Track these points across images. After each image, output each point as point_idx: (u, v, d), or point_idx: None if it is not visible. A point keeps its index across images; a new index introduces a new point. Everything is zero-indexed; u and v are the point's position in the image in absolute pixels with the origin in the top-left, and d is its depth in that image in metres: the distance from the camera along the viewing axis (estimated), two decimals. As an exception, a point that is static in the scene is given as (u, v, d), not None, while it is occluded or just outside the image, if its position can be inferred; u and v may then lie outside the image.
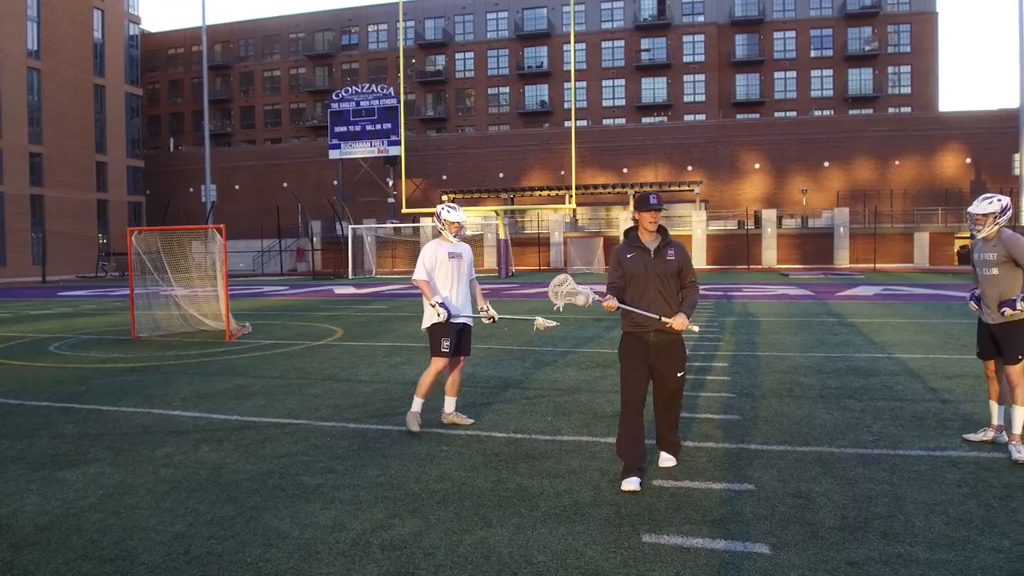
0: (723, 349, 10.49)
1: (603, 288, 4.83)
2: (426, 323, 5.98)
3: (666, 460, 5.04)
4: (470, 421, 6.27)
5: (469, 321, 6.21)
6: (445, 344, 5.93)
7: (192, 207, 56.76)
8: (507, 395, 7.51)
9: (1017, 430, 5.24)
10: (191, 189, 58.79)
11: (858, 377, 8.22)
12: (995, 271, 5.33)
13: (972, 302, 5.69)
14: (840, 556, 3.59)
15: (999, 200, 5.31)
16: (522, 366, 9.29)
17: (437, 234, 6.24)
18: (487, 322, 6.25)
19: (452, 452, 5.43)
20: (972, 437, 5.63)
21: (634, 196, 47.70)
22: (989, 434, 5.58)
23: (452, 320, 5.93)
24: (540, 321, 6.24)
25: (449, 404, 6.29)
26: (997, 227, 5.33)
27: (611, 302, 4.67)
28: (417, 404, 6.06)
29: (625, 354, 4.86)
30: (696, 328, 4.70)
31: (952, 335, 11.71)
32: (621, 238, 5.03)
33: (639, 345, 4.80)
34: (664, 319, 4.65)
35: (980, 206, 5.31)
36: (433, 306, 5.87)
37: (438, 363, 5.99)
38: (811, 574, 3.40)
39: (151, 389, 8.07)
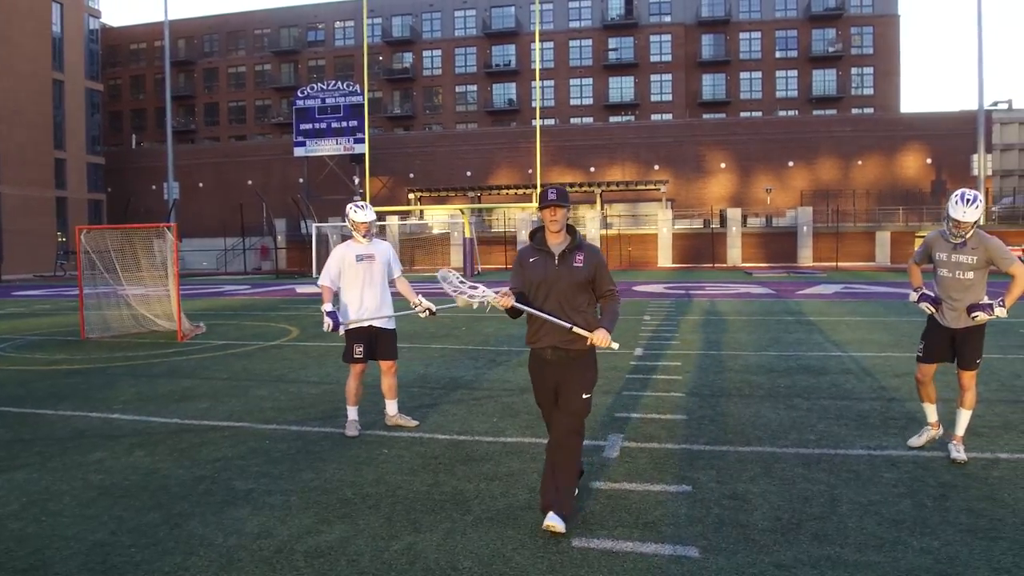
0: (678, 348, 10.52)
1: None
2: (341, 329, 5.79)
3: (553, 522, 3.84)
4: (414, 423, 6.17)
5: (387, 324, 5.97)
6: (357, 350, 5.84)
7: (154, 205, 55.83)
8: (455, 396, 7.44)
9: (960, 431, 5.26)
10: (153, 187, 57.81)
11: (808, 376, 8.29)
12: (970, 275, 5.06)
13: (926, 303, 5.26)
14: (769, 559, 3.58)
15: (980, 201, 4.95)
16: (475, 366, 9.23)
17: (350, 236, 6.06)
18: (424, 316, 5.87)
19: (392, 455, 5.36)
20: (916, 442, 5.49)
21: (601, 195, 47.92)
22: (931, 432, 5.50)
23: (357, 324, 5.80)
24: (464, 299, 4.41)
25: (390, 407, 6.18)
26: (974, 230, 5.01)
27: (506, 299, 3.96)
28: (350, 412, 5.97)
29: (531, 372, 4.31)
30: (616, 345, 4.02)
31: (905, 333, 11.87)
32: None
33: (539, 362, 4.20)
34: (577, 330, 3.97)
35: (969, 212, 4.90)
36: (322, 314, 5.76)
37: (353, 369, 5.92)
38: (738, 577, 3.38)
39: (93, 392, 7.88)
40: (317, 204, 51.02)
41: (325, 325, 5.60)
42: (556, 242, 4.14)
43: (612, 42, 60.18)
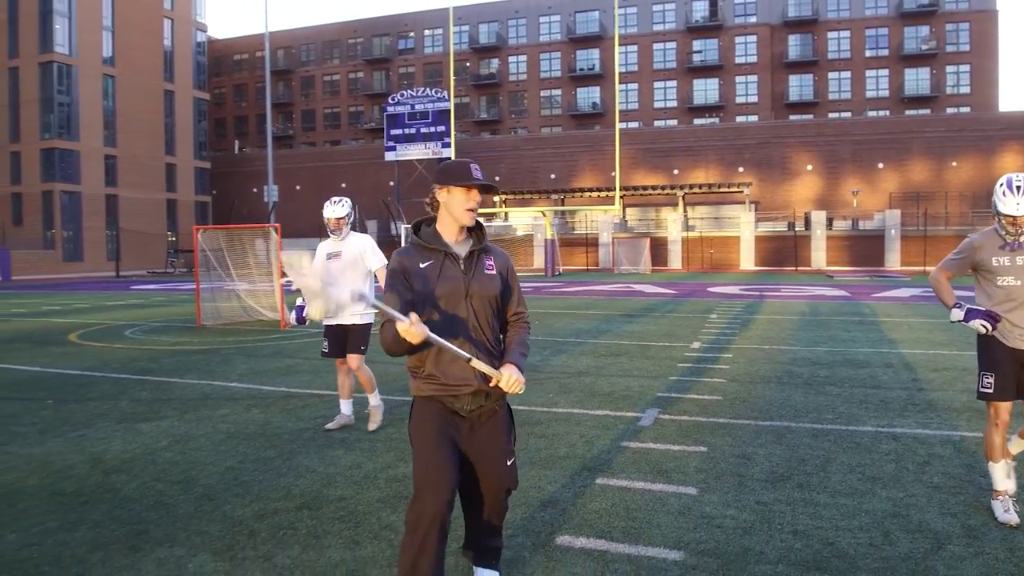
0: (735, 343, 11.21)
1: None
2: (308, 323, 6.21)
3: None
4: (375, 426, 6.01)
5: (359, 319, 5.93)
6: (324, 345, 6.05)
7: (255, 206, 59.15)
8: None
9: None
10: (255, 189, 61.25)
11: (849, 368, 8.90)
12: None
13: (980, 321, 4.07)
14: (753, 498, 4.42)
15: None
16: (540, 354, 10.21)
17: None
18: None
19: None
20: (1010, 519, 3.99)
21: (683, 198, 48.06)
22: (1010, 501, 4.13)
23: (328, 321, 5.88)
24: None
25: (371, 399, 6.10)
26: None
27: (417, 327, 2.54)
28: (342, 405, 6.10)
29: (419, 431, 2.87)
30: (521, 390, 2.84)
31: (961, 333, 12.16)
32: (404, 239, 3.70)
33: (444, 418, 2.88)
34: (478, 364, 2.77)
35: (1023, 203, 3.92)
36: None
37: (336, 364, 6.14)
38: (723, 508, 4.24)
39: (212, 366, 9.26)
40: (406, 206, 53.04)
41: (291, 318, 5.96)
42: (458, 239, 2.97)
43: (696, 44, 60.15)
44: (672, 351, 10.37)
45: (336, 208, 5.87)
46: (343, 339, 5.93)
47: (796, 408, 6.77)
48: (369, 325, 5.92)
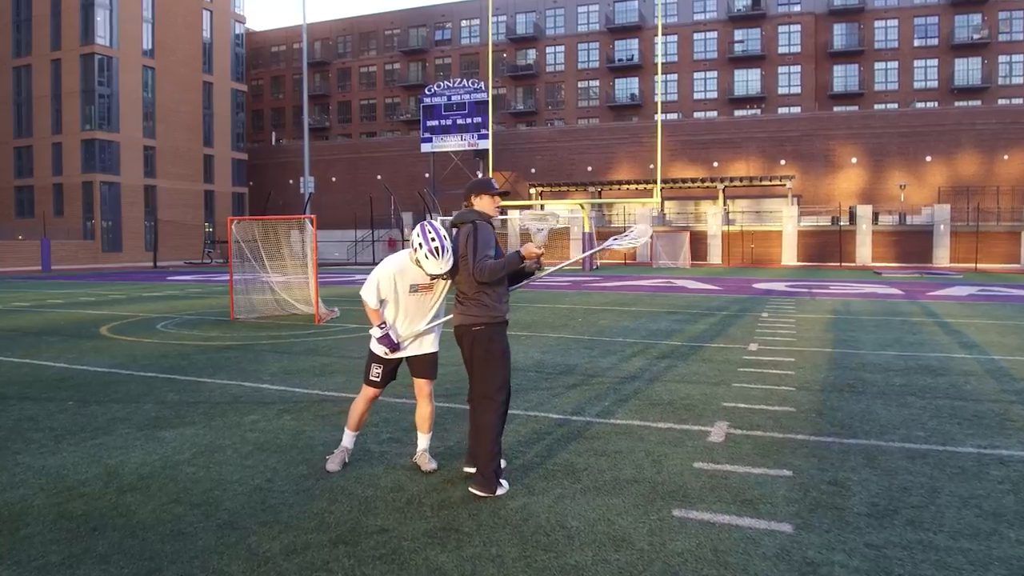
0: (794, 344, 10.50)
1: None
2: (401, 353, 4.90)
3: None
4: (433, 467, 4.84)
5: (432, 348, 4.95)
6: (375, 371, 4.91)
7: (291, 198, 59.18)
8: (569, 380, 7.83)
9: None
10: (291, 181, 61.29)
11: (926, 376, 8.17)
12: None
13: None
14: (861, 539, 3.78)
15: None
16: (589, 355, 9.59)
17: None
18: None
19: (509, 429, 5.81)
20: None
21: (724, 191, 46.95)
22: None
23: (397, 354, 4.87)
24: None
25: (421, 442, 4.98)
26: None
27: (534, 249, 4.40)
28: (346, 437, 5.01)
29: (505, 346, 4.63)
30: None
31: (1040, 338, 11.33)
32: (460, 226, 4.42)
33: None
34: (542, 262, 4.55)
35: None
36: None
37: (366, 392, 4.99)
38: (828, 552, 3.61)
39: (244, 365, 8.79)
40: (442, 198, 52.64)
41: (380, 350, 4.72)
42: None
43: (738, 34, 58.81)
44: (728, 353, 9.70)
45: (436, 266, 4.43)
46: (396, 366, 4.87)
47: (881, 423, 6.08)
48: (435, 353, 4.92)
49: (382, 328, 4.67)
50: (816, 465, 4.97)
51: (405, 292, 4.63)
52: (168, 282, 27.78)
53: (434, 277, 4.57)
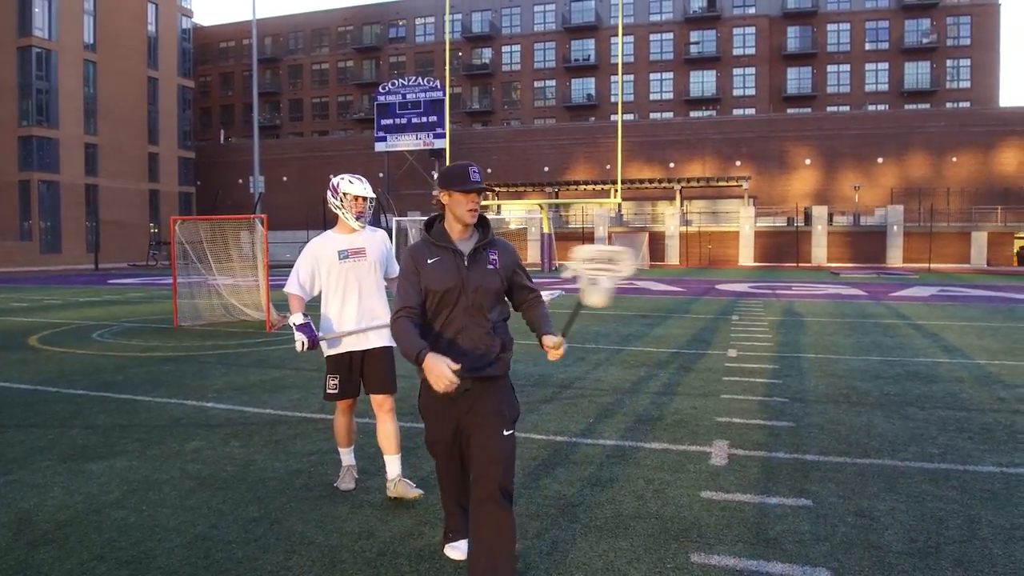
0: (773, 350, 10.07)
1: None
2: (324, 346, 4.48)
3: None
4: (417, 493, 4.24)
5: (381, 343, 4.42)
6: (331, 384, 4.41)
7: (241, 198, 57.56)
8: (544, 392, 7.23)
9: None
10: (240, 180, 59.63)
11: (919, 383, 7.78)
12: None
13: None
14: (910, 585, 3.26)
15: None
16: (562, 363, 9.01)
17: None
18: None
19: (488, 455, 5.18)
20: None
21: (680, 192, 46.92)
22: None
23: (340, 350, 4.40)
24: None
25: (390, 466, 4.33)
26: None
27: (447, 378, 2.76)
28: (343, 455, 4.56)
29: (430, 408, 3.25)
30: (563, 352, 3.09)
31: (1018, 340, 11.11)
32: (413, 234, 3.58)
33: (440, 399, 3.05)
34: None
35: None
36: None
37: (338, 405, 4.52)
38: (878, 605, 3.07)
39: (187, 379, 7.99)
40: (397, 198, 51.69)
41: (298, 344, 4.14)
42: (464, 237, 3.11)
43: (694, 35, 59.03)
44: (709, 360, 9.22)
45: (363, 187, 4.18)
46: (358, 370, 4.22)
47: (888, 439, 5.61)
48: (389, 348, 4.28)
49: (304, 317, 4.18)
50: (835, 492, 4.45)
51: (335, 263, 4.17)
52: (109, 286, 26.46)
53: (360, 217, 4.23)
